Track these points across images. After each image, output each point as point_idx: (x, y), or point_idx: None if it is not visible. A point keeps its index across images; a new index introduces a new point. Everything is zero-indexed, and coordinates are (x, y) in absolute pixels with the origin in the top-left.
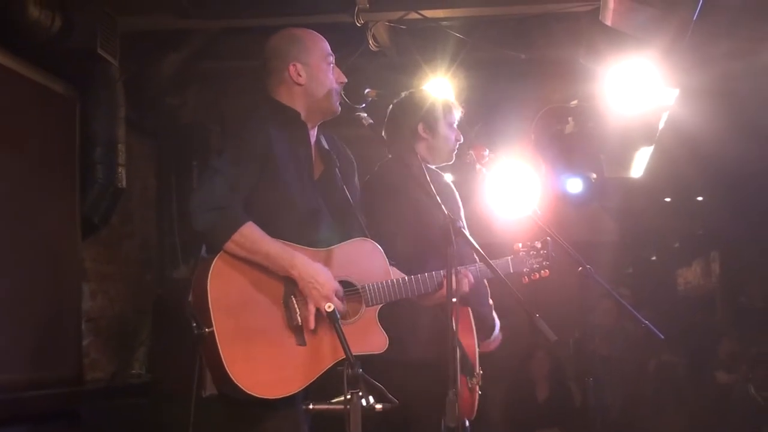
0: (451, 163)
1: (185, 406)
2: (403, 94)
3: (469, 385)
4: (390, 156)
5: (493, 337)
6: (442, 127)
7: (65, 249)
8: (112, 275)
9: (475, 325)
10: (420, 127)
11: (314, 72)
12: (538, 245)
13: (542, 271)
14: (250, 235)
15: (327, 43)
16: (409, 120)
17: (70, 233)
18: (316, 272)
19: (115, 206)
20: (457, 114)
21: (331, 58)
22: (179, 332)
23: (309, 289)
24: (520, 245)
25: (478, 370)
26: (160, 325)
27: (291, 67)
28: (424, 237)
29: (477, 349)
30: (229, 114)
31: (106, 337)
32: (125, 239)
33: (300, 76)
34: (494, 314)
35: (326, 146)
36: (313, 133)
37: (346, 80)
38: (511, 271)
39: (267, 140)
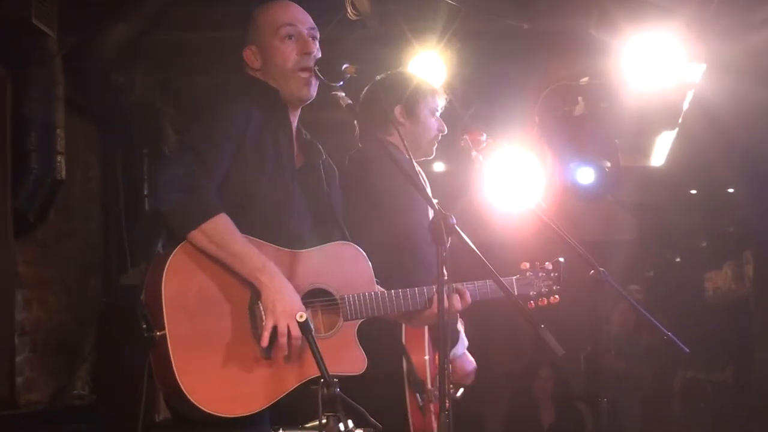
0: (431, 157)
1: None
2: (381, 75)
3: (419, 403)
4: (360, 145)
5: (454, 353)
6: (424, 112)
7: None
8: (50, 281)
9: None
10: (398, 110)
11: (266, 51)
12: (549, 266)
13: (551, 297)
14: (223, 227)
15: (286, 12)
16: (385, 102)
17: (0, 232)
18: (285, 289)
19: (53, 200)
20: (441, 102)
21: (287, 29)
22: (128, 346)
23: (272, 303)
24: (528, 265)
25: (431, 387)
26: (105, 339)
27: (246, 51)
28: (408, 240)
29: (428, 365)
30: (184, 93)
31: (44, 353)
32: (65, 239)
33: (255, 59)
34: (459, 327)
35: (308, 138)
36: (294, 119)
37: (312, 50)
38: (515, 293)
39: (245, 118)
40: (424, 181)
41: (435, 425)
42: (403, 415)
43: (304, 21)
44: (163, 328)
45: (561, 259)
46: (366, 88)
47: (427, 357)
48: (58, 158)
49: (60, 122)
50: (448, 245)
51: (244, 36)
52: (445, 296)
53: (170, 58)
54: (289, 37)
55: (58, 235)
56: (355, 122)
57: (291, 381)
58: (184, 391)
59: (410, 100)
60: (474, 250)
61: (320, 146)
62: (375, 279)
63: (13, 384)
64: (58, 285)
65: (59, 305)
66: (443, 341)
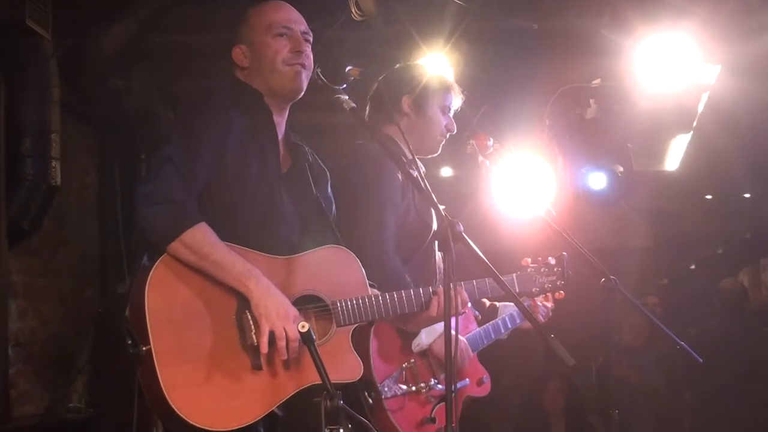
0: (435, 155)
1: None
2: (396, 66)
3: (369, 402)
4: (369, 138)
5: (420, 344)
6: (432, 107)
7: None
8: (45, 290)
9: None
10: (404, 101)
11: (257, 49)
12: (552, 261)
13: (556, 293)
14: (202, 237)
15: (280, 12)
16: (393, 92)
17: None
18: (274, 293)
19: (49, 208)
20: (456, 100)
21: (279, 29)
22: (125, 358)
23: (264, 308)
24: (529, 260)
25: (380, 384)
26: (102, 350)
27: (235, 50)
28: (408, 242)
29: (373, 362)
30: (183, 97)
31: (38, 365)
32: (60, 247)
33: (245, 58)
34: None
35: (296, 141)
36: (281, 121)
37: (304, 49)
38: (517, 290)
39: (225, 124)
40: (423, 178)
41: (393, 421)
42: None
43: (299, 22)
44: (148, 343)
45: (564, 254)
46: (380, 78)
47: (371, 354)
48: (54, 164)
49: (55, 127)
50: (454, 252)
51: (234, 36)
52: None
53: (169, 62)
54: (281, 35)
55: (53, 243)
56: (366, 115)
57: (288, 389)
58: (173, 407)
59: (419, 92)
60: (481, 257)
61: (306, 148)
62: (369, 282)
63: (7, 397)
64: (53, 295)
65: (54, 315)
66: (448, 350)
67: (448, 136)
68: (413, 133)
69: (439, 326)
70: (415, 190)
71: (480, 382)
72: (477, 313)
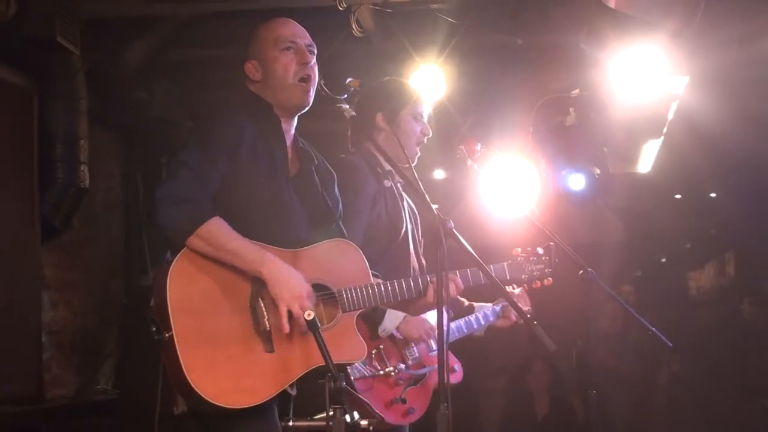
0: (413, 164)
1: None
2: (368, 84)
3: None
4: (353, 150)
5: (384, 329)
6: (405, 118)
7: (23, 254)
8: (74, 283)
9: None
10: (379, 117)
11: (267, 64)
12: (540, 251)
13: (544, 280)
14: (217, 230)
15: (285, 27)
16: (368, 109)
17: (28, 237)
18: (288, 273)
19: (78, 208)
20: (426, 106)
21: (286, 43)
22: (148, 345)
23: (279, 290)
24: (519, 250)
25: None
26: (127, 338)
27: (247, 65)
28: (376, 244)
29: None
30: (200, 106)
31: (69, 351)
32: (89, 244)
33: (256, 72)
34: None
35: (303, 146)
36: (289, 129)
37: (309, 60)
38: (508, 277)
39: (238, 131)
40: (417, 181)
41: (363, 399)
42: None
43: (303, 36)
44: (171, 330)
45: (551, 244)
46: (355, 99)
47: None
48: (82, 168)
49: (83, 134)
50: (446, 248)
51: (245, 51)
52: (433, 285)
53: (188, 74)
54: (288, 49)
55: (82, 240)
56: (349, 133)
57: (296, 370)
58: (193, 387)
59: (391, 107)
60: (471, 251)
61: (313, 152)
62: (371, 272)
63: (41, 380)
64: (82, 287)
65: (83, 306)
66: (441, 336)
67: (425, 140)
68: (392, 144)
69: (400, 312)
70: (388, 198)
71: (451, 371)
72: (450, 311)
